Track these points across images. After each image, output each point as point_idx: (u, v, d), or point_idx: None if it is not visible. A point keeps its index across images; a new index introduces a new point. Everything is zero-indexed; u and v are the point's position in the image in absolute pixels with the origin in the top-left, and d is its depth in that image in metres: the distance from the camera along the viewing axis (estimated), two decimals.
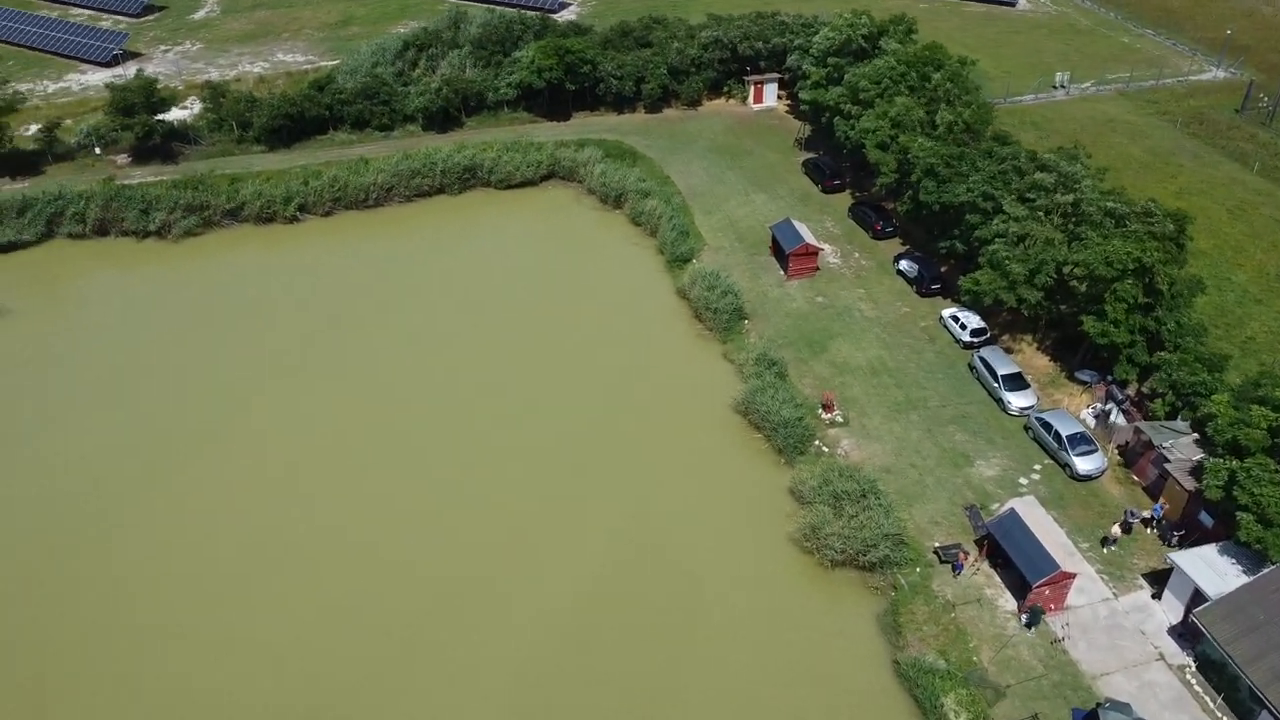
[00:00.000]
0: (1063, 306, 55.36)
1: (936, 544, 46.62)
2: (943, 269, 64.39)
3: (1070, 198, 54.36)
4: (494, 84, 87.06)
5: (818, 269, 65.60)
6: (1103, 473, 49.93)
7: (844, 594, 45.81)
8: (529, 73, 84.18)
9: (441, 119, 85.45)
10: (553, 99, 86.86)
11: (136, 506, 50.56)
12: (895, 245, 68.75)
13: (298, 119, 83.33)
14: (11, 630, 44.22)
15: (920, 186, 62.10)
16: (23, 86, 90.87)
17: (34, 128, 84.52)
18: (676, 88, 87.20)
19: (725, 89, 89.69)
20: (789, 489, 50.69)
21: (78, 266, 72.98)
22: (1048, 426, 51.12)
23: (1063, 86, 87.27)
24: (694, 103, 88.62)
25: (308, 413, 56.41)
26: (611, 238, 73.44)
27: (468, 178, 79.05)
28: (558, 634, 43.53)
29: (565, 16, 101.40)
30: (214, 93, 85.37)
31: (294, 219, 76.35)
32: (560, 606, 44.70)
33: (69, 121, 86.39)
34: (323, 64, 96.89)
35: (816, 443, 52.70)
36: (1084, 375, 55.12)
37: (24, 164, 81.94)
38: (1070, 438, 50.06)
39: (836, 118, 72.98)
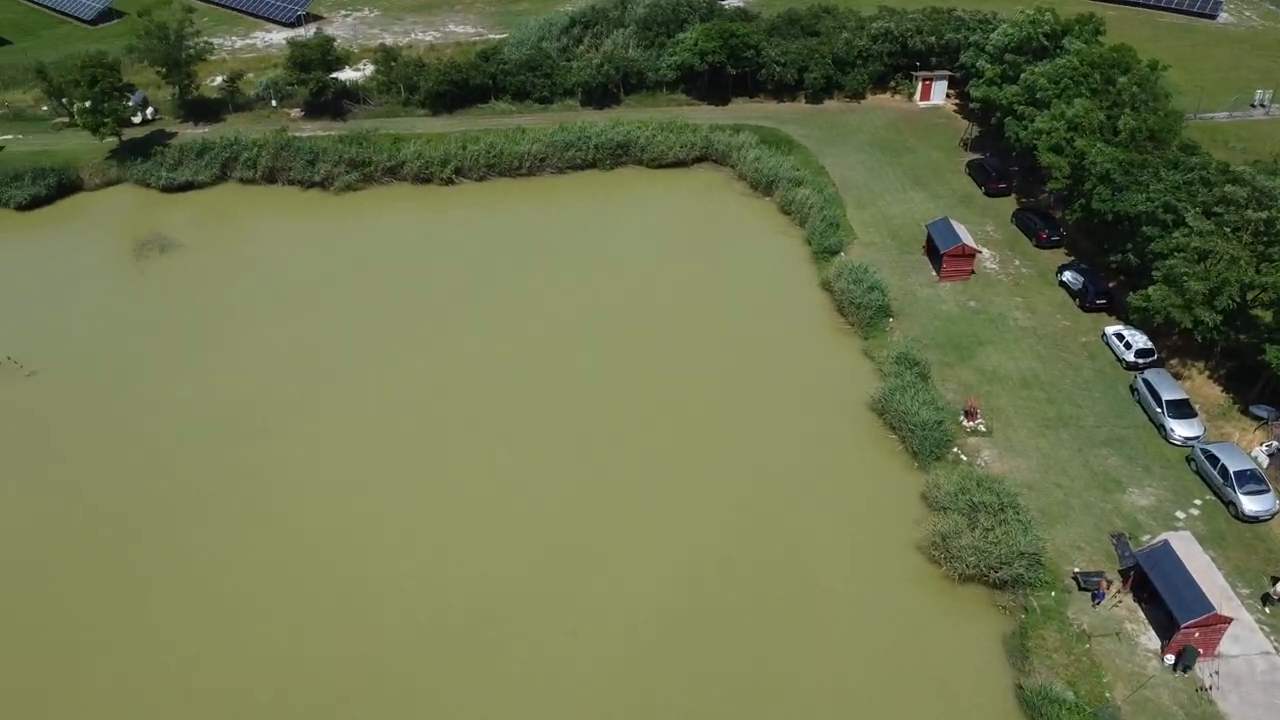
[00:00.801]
0: (1242, 336, 50.86)
1: (1076, 569, 43.50)
2: (1110, 284, 60.30)
3: (1264, 215, 49.83)
4: (655, 64, 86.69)
5: (973, 272, 62.50)
6: (1272, 516, 45.63)
7: (969, 609, 43.27)
8: (691, 54, 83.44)
9: (600, 95, 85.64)
10: (712, 82, 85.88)
11: (283, 420, 52.79)
12: (1060, 256, 64.84)
13: (462, 86, 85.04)
14: (188, 506, 46.68)
15: (1094, 194, 58.27)
16: (213, 41, 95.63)
17: (219, 79, 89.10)
18: (840, 79, 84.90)
19: (891, 84, 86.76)
20: (921, 494, 48.29)
21: (245, 208, 76.48)
22: (1214, 460, 47.06)
23: (1262, 105, 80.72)
24: (857, 96, 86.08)
25: (440, 363, 57.31)
26: (758, 224, 71.97)
27: (620, 154, 78.93)
28: (668, 620, 42.54)
29: (733, 2, 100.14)
30: (386, 56, 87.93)
31: (449, 181, 77.90)
32: (673, 593, 43.69)
33: (251, 75, 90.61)
34: (491, 36, 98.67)
35: (955, 450, 50.07)
36: (1260, 411, 50.59)
37: (207, 111, 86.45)
38: (1239, 474, 45.92)
39: (1008, 118, 69.45)
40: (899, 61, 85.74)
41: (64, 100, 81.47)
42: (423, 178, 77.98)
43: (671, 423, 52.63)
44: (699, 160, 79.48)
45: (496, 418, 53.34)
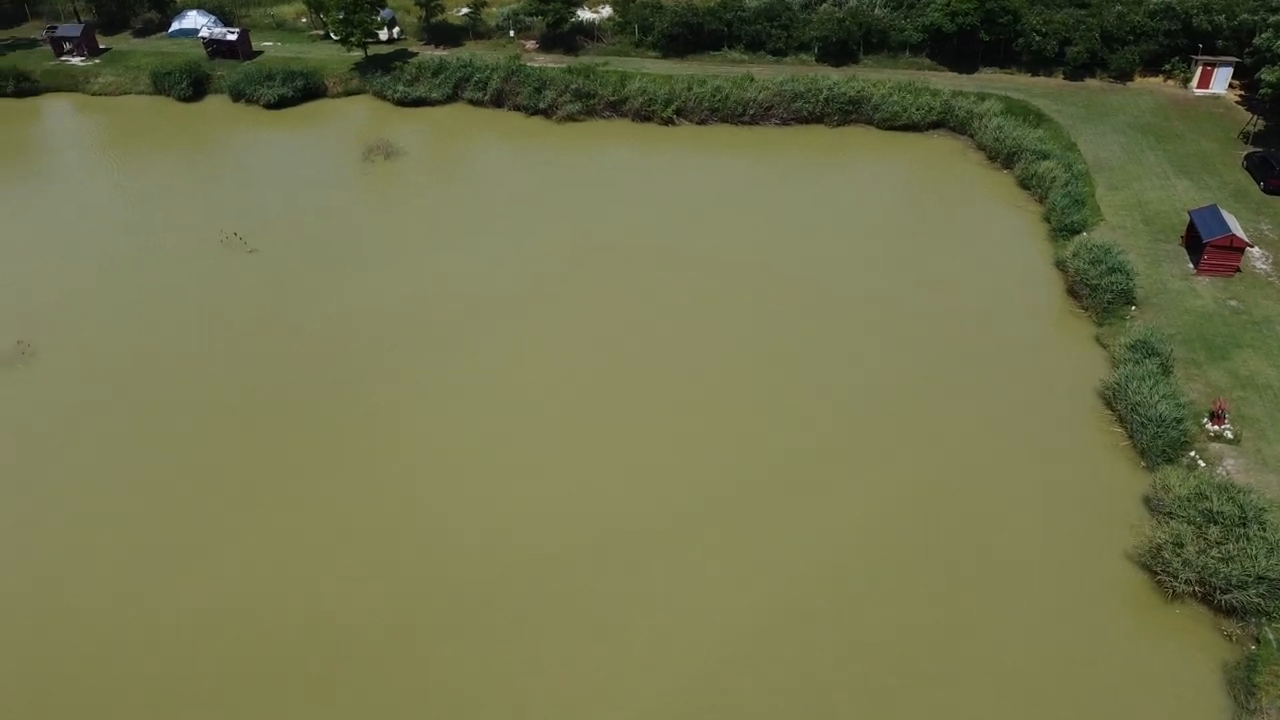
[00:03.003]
0: None
1: None
2: None
3: None
4: (900, 24, 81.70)
5: (1238, 269, 54.76)
6: None
7: (1183, 631, 37.23)
8: (941, 15, 78.00)
9: (838, 51, 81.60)
10: (961, 49, 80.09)
11: (457, 330, 52.51)
12: None
13: (696, 30, 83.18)
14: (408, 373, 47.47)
15: None
16: None
17: (464, 10, 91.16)
18: (1106, 55, 77.11)
19: (1166, 66, 78.02)
20: (1143, 496, 42.29)
21: (469, 127, 77.74)
22: None
23: None
24: (1123, 75, 77.97)
25: (626, 302, 55.43)
26: (992, 196, 66.23)
27: (850, 110, 74.80)
28: (830, 588, 38.98)
29: None
30: None
31: (669, 121, 76.28)
32: (841, 561, 40.08)
33: (493, 9, 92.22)
34: None
35: (1192, 454, 43.57)
36: None
37: (449, 36, 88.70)
38: None
39: None
40: (1177, 42, 76.96)
41: (320, 13, 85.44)
42: (644, 115, 76.72)
43: (871, 387, 48.58)
44: (935, 126, 74.30)
45: (684, 371, 50.45)
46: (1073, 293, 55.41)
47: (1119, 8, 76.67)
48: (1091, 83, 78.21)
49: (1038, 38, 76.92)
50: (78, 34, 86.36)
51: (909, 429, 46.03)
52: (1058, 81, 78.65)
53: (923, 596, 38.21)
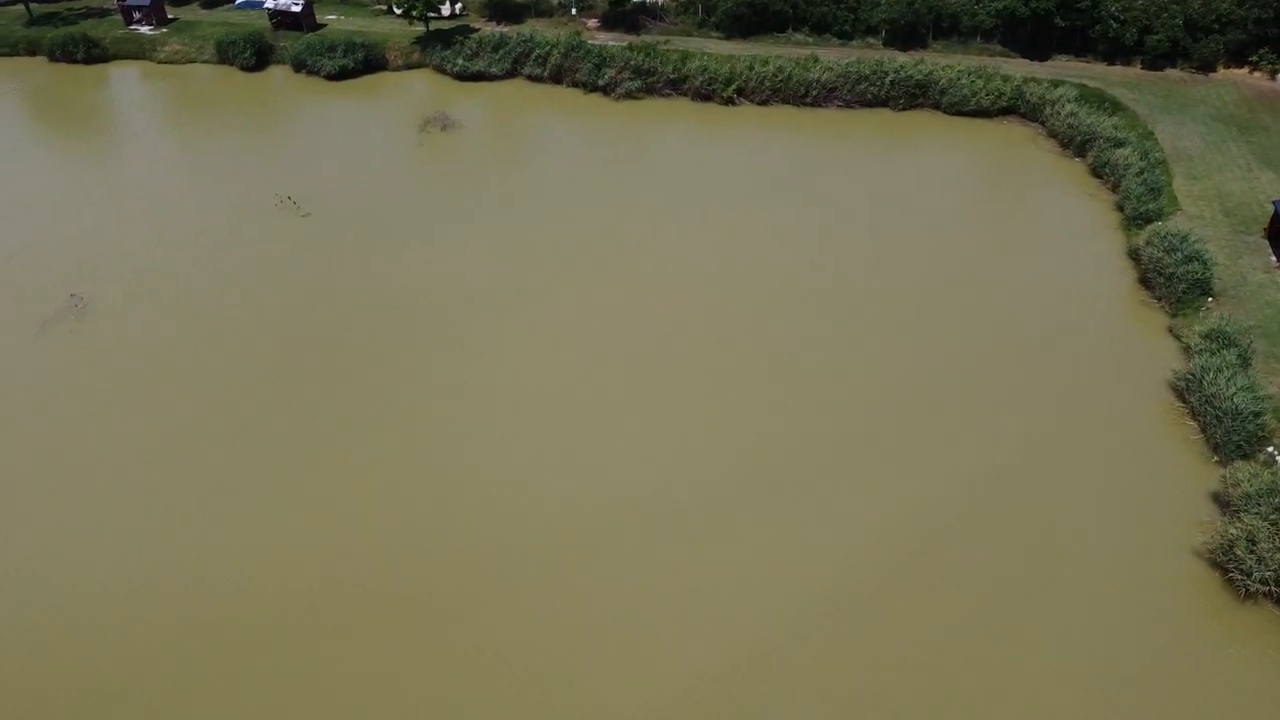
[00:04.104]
0: None
1: None
2: None
3: None
4: (972, 9, 79.28)
5: None
6: None
7: (1254, 632, 34.97)
8: None
9: (906, 35, 79.44)
10: (1034, 35, 77.40)
11: (496, 297, 51.69)
12: None
13: (760, 11, 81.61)
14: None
15: None
16: None
17: None
18: (1189, 45, 73.97)
19: (1253, 57, 74.58)
20: (1213, 493, 39.96)
21: (527, 102, 77.05)
22: None
23: None
24: (1206, 66, 74.71)
25: (662, 276, 54.25)
26: (1063, 184, 63.74)
27: (916, 94, 72.66)
28: (890, 582, 37.43)
29: None
30: None
31: (730, 101, 74.83)
32: (898, 549, 38.46)
33: None
34: None
35: (1270, 449, 41.07)
36: None
37: (511, 13, 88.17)
38: None
39: None
40: (1267, 32, 73.51)
41: None
42: (704, 94, 75.36)
43: (935, 373, 46.68)
44: (1005, 113, 71.83)
45: (742, 350, 49.05)
46: (1145, 282, 52.99)
47: None
48: (1171, 72, 75.06)
49: (1116, 25, 74.09)
50: (147, 3, 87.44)
51: (972, 417, 44.09)
52: (1136, 71, 75.64)
53: (980, 590, 36.42)
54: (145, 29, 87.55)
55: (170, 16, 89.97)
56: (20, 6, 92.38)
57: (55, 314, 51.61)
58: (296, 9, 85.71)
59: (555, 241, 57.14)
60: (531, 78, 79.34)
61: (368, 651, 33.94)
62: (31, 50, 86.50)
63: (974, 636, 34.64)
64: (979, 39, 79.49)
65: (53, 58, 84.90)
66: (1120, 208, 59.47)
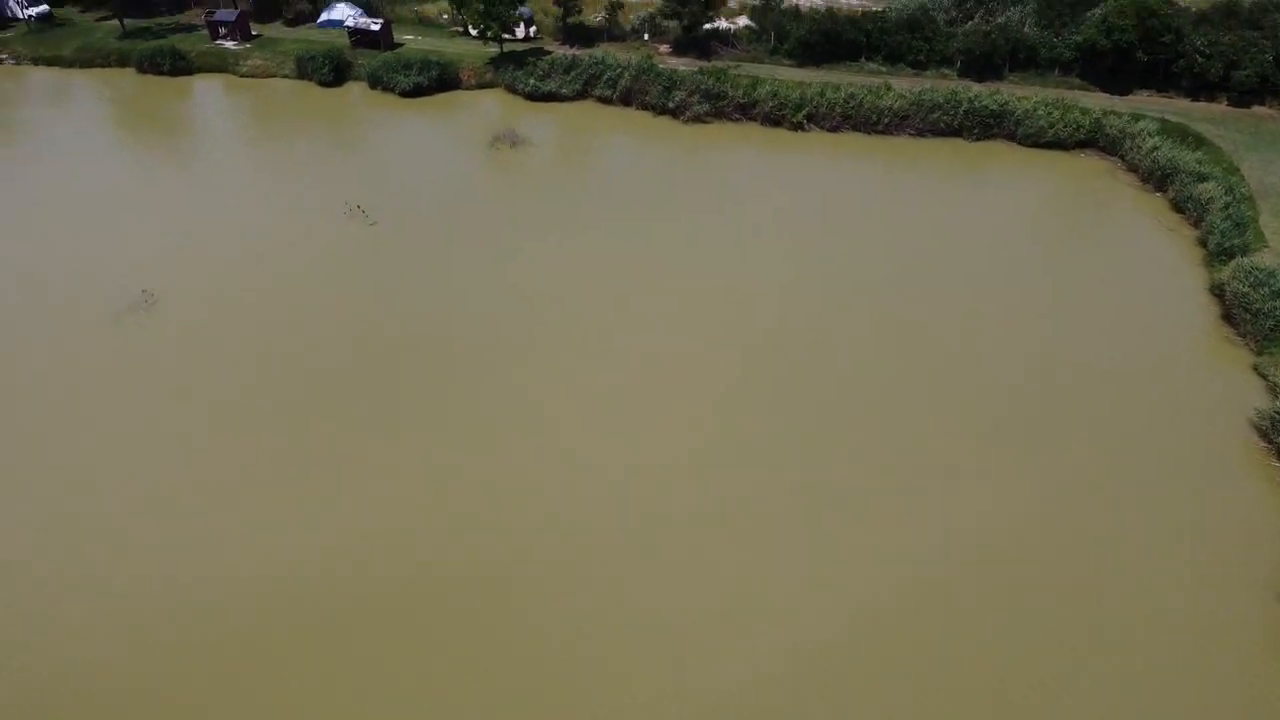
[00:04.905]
0: None
1: None
2: None
3: None
4: (1050, 41, 77.91)
5: None
6: None
7: None
8: (1096, 31, 73.99)
9: (981, 66, 78.31)
10: (1115, 68, 75.71)
11: (557, 313, 51.41)
12: None
13: (833, 39, 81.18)
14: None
15: None
16: None
17: (601, 16, 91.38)
18: (1279, 81, 71.64)
19: None
20: None
21: (596, 123, 77.38)
22: None
23: None
24: None
25: (723, 297, 53.55)
26: (1141, 218, 61.89)
27: (990, 124, 71.38)
28: (945, 611, 36.04)
29: None
30: (765, 3, 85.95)
31: (799, 126, 74.29)
32: (957, 578, 37.06)
33: (632, 17, 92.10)
34: (874, 10, 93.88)
35: None
36: None
37: (584, 37, 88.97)
38: None
39: None
40: None
41: (461, 8, 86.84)
42: (773, 119, 74.94)
43: (1005, 405, 45.05)
44: (1083, 145, 70.15)
45: (811, 374, 48.41)
46: (1229, 319, 50.91)
47: None
48: (1260, 109, 72.75)
49: (1201, 59, 72.12)
50: (233, 19, 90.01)
51: (1042, 451, 42.40)
52: (1221, 107, 73.49)
53: (1044, 631, 34.75)
54: (230, 44, 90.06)
55: (254, 33, 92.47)
56: (114, 22, 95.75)
57: (127, 307, 52.62)
58: (375, 28, 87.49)
59: (618, 256, 56.90)
60: (601, 99, 79.75)
61: (417, 649, 33.49)
62: (121, 62, 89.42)
63: (1034, 689, 32.97)
64: (1057, 71, 78.05)
65: (140, 69, 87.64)
66: (1203, 243, 57.47)
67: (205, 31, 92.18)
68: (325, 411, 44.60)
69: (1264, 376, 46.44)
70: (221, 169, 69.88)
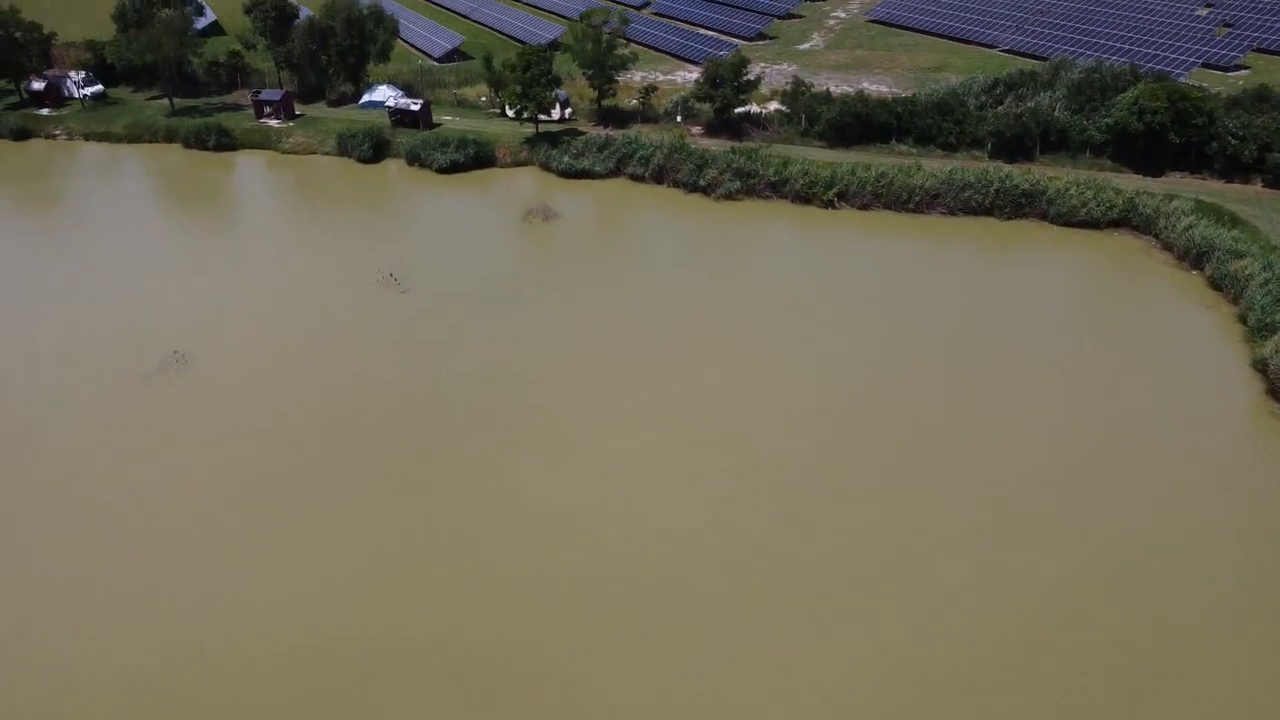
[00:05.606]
0: None
1: None
2: None
3: None
4: (1081, 124, 78.35)
5: None
6: None
7: None
8: (1127, 113, 74.28)
9: (1012, 147, 78.65)
10: (1147, 150, 75.74)
11: (571, 389, 51.04)
12: None
13: (864, 121, 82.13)
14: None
15: None
16: (641, 74, 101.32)
17: (634, 100, 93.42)
18: None
19: None
20: None
21: (628, 199, 78.31)
22: None
23: None
24: None
25: (745, 373, 53.08)
26: (1178, 296, 61.02)
27: (1022, 203, 71.29)
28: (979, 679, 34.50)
29: (1189, 81, 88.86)
30: (796, 86, 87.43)
31: (830, 204, 74.61)
32: (992, 646, 35.55)
33: (664, 102, 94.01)
34: (902, 95, 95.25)
35: None
36: None
37: (618, 119, 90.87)
38: None
39: None
40: None
41: (499, 90, 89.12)
42: (804, 197, 75.37)
43: (1043, 486, 43.61)
44: (1116, 225, 69.70)
45: (843, 451, 47.56)
46: (1274, 394, 49.55)
47: None
48: None
49: (1234, 141, 72.03)
50: (278, 98, 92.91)
51: (1086, 536, 40.68)
52: (1255, 189, 73.05)
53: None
54: (274, 122, 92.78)
55: (298, 112, 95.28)
56: (164, 101, 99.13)
57: (158, 367, 53.01)
58: (415, 107, 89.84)
59: (647, 328, 56.83)
60: (634, 177, 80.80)
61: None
62: (169, 138, 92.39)
63: None
64: (1088, 153, 78.22)
65: (186, 144, 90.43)
66: (1243, 319, 56.38)
67: (251, 110, 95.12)
68: (346, 476, 44.21)
69: None
70: (259, 237, 71.28)
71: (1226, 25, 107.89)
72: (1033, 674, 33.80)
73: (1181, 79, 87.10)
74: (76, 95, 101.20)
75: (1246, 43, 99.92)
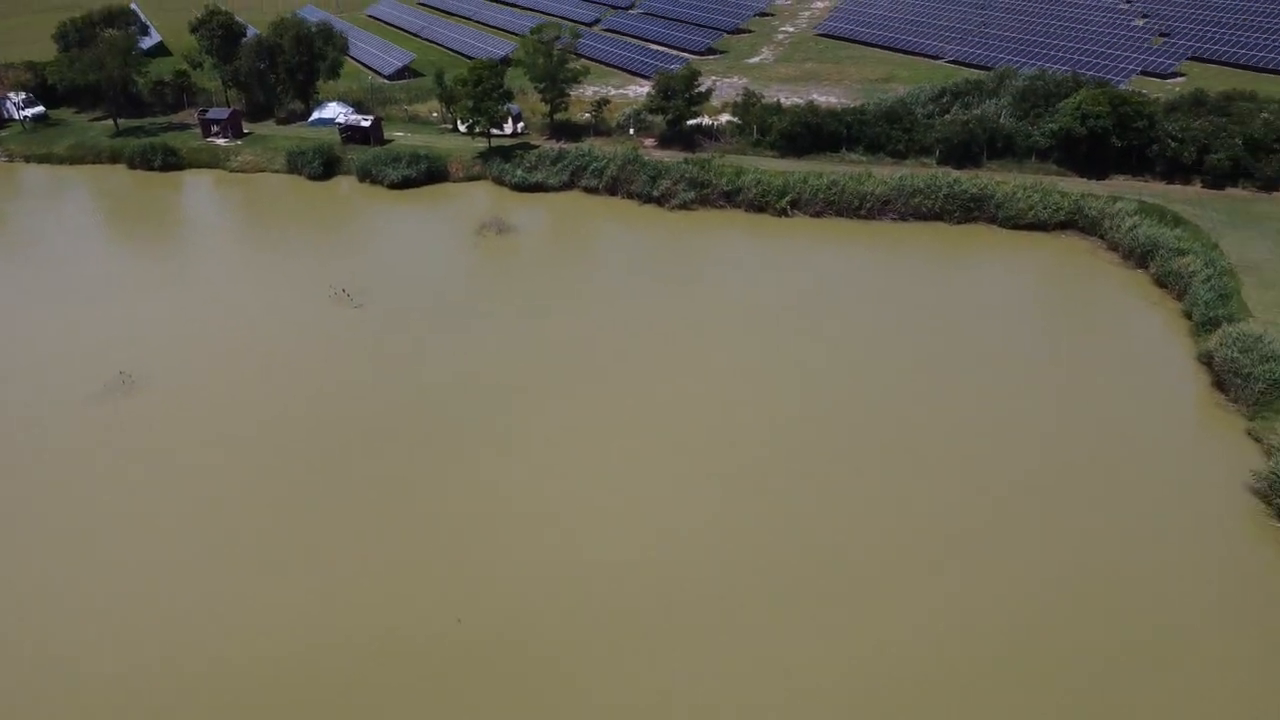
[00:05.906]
0: None
1: None
2: None
3: None
4: (1027, 130, 79.75)
5: None
6: None
7: None
8: (1071, 118, 75.72)
9: (960, 154, 79.77)
10: (1090, 154, 77.22)
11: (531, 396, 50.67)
12: None
13: (815, 130, 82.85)
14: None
15: None
16: (593, 88, 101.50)
17: (587, 115, 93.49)
18: (1251, 164, 73.08)
19: None
20: None
21: (582, 211, 78.33)
22: None
23: None
24: (1270, 185, 73.55)
25: (704, 383, 53.11)
26: (1124, 294, 62.13)
27: (971, 208, 72.34)
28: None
29: (1129, 87, 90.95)
30: (746, 98, 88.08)
31: (784, 213, 75.16)
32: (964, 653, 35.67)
33: (617, 115, 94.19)
34: (851, 105, 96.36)
35: None
36: None
37: (571, 133, 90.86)
38: None
39: None
40: None
41: (450, 105, 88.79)
42: (758, 206, 75.87)
43: (1000, 486, 43.95)
44: (1063, 227, 70.90)
45: (803, 461, 47.44)
46: (1220, 385, 50.51)
47: (1265, 115, 73.05)
48: (1235, 191, 73.86)
49: (1174, 144, 73.68)
50: (225, 117, 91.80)
51: (1041, 529, 41.11)
52: (1196, 190, 74.68)
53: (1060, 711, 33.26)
54: (221, 141, 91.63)
55: (246, 130, 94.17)
56: (108, 122, 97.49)
57: (103, 389, 51.82)
58: (366, 124, 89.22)
59: (603, 338, 56.74)
60: (588, 189, 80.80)
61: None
62: (113, 159, 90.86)
63: None
64: (1034, 158, 79.55)
65: (131, 165, 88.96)
66: (1187, 315, 57.53)
67: (198, 129, 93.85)
68: (301, 492, 43.44)
69: (1258, 440, 45.76)
70: (207, 256, 70.21)
71: (1163, 35, 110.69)
72: (1033, 674, 33.94)
73: (1122, 86, 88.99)
74: (17, 117, 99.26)
75: (1182, 51, 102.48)
